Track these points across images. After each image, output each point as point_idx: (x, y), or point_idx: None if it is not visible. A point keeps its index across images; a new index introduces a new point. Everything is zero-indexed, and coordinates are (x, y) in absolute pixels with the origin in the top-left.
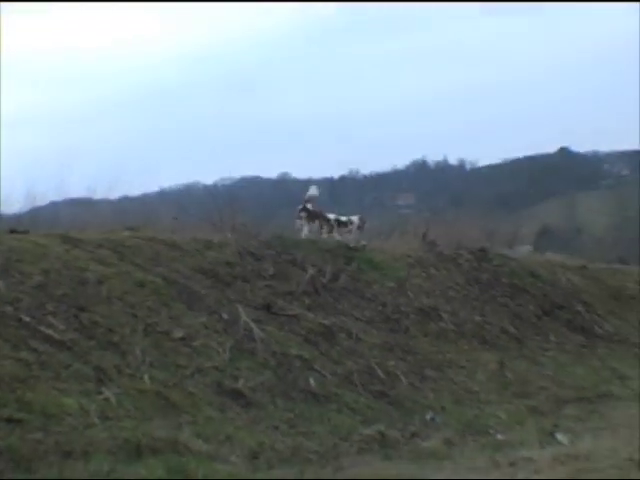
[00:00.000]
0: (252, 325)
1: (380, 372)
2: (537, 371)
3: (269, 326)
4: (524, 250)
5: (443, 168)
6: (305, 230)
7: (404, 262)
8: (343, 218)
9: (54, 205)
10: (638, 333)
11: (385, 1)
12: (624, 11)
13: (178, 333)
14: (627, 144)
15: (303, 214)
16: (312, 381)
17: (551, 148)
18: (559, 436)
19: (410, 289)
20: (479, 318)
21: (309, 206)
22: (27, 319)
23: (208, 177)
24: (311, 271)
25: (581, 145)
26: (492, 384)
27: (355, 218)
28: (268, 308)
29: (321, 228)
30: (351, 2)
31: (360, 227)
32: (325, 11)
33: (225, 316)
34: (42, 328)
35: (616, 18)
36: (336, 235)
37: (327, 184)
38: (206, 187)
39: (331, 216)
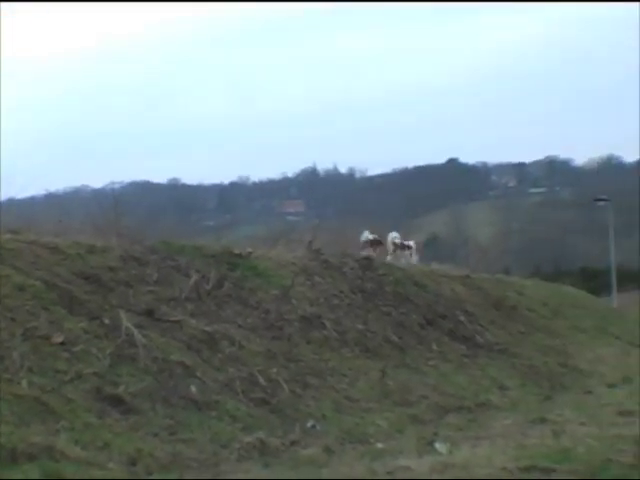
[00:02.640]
0: (134, 331)
1: (262, 380)
2: (419, 380)
3: (151, 332)
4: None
5: (333, 176)
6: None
7: (289, 270)
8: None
9: None
10: (518, 343)
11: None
12: (521, 24)
13: (58, 338)
14: (514, 156)
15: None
16: (193, 388)
17: (440, 159)
18: (438, 445)
19: (294, 297)
20: (362, 327)
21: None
22: None
23: (98, 181)
24: (195, 277)
25: (470, 156)
26: (374, 392)
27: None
28: (151, 314)
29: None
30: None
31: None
32: (224, 15)
33: (106, 321)
34: None
35: (511, 32)
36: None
37: (217, 190)
38: (95, 191)
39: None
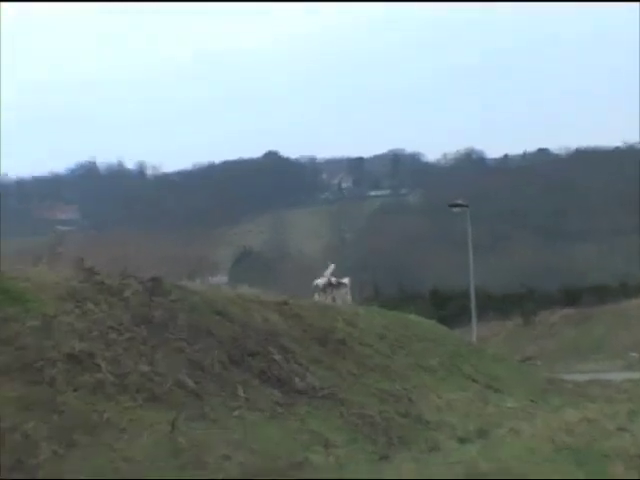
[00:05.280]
0: None
1: (18, 436)
2: (219, 435)
3: None
4: (218, 281)
5: (117, 173)
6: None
7: (53, 294)
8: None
9: None
10: (348, 387)
11: None
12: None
13: None
14: (351, 150)
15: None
16: None
17: (256, 152)
18: None
19: (59, 329)
20: (147, 368)
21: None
22: None
23: None
24: None
25: (293, 149)
26: (160, 451)
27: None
28: None
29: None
30: None
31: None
32: None
33: None
34: None
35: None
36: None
37: None
38: None
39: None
